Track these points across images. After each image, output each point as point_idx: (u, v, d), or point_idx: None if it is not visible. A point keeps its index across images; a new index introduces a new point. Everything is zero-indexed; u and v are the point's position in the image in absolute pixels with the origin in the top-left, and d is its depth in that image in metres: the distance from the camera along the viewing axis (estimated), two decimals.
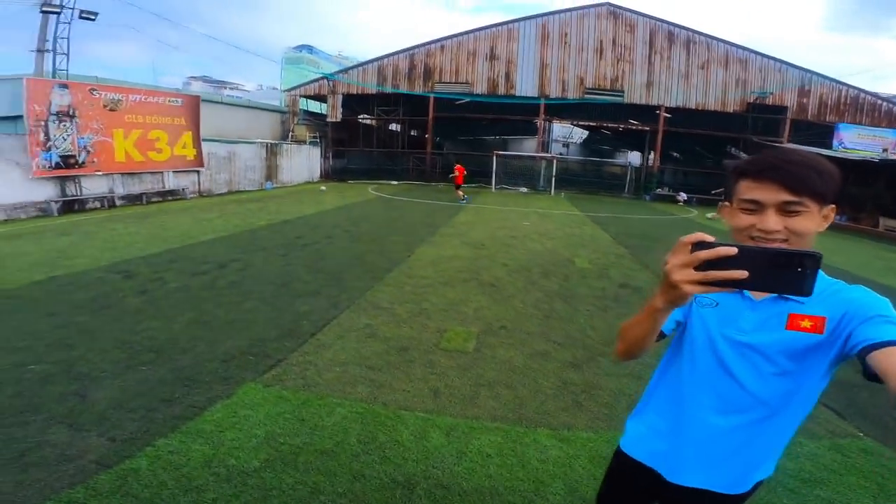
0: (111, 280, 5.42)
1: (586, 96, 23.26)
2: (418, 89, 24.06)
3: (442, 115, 24.68)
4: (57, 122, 10.59)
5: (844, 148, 20.88)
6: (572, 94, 23.27)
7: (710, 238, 0.71)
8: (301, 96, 25.19)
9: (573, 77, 23.16)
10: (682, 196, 21.95)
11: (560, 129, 33.08)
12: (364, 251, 7.43)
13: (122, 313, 4.39)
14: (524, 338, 4.15)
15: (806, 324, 0.93)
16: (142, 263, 6.18)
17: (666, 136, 23.77)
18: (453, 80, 23.93)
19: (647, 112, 24.05)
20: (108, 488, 2.17)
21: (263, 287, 5.34)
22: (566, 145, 35.77)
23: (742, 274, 0.68)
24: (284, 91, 26.39)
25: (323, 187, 19.26)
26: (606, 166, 29.34)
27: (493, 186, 22.87)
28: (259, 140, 19.12)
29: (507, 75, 23.58)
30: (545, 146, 26.12)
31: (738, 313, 1.00)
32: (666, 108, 23.13)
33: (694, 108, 22.95)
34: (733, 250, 0.69)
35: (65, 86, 10.89)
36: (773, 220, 0.90)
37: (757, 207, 0.92)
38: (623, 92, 23.12)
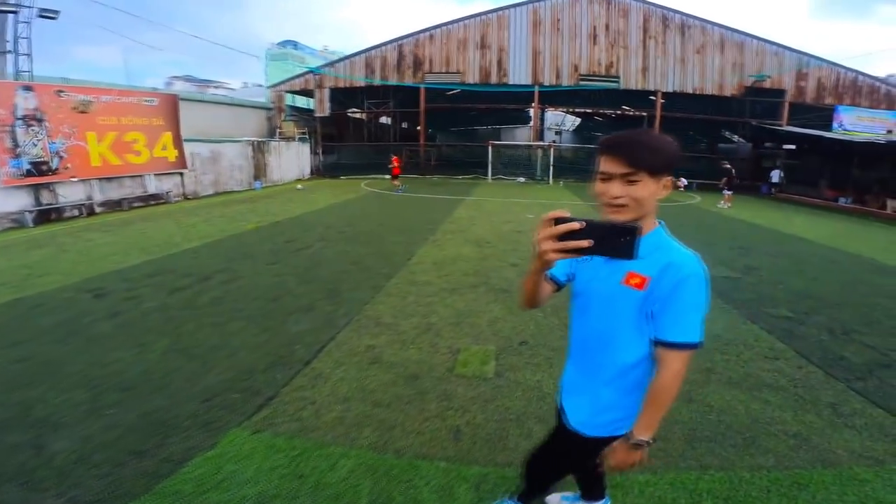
0: (81, 301, 4.85)
1: (581, 83, 22.85)
2: (408, 80, 23.47)
3: (433, 105, 24.09)
4: (25, 126, 9.87)
5: (844, 130, 20.54)
6: (567, 81, 22.85)
7: (566, 214, 0.92)
8: (286, 92, 24.51)
9: (567, 64, 22.72)
10: (683, 181, 21.50)
11: (552, 117, 32.57)
12: (361, 254, 6.89)
13: (90, 342, 3.84)
14: (550, 355, 3.65)
15: (635, 280, 1.18)
16: (117, 279, 5.60)
17: (662, 121, 23.32)
18: (444, 70, 23.38)
19: (642, 98, 23.59)
20: None
21: (251, 303, 4.79)
22: (558, 133, 35.26)
23: (587, 243, 0.90)
24: (269, 87, 25.63)
25: (300, 186, 18.28)
26: None
27: (490, 177, 22.37)
28: (245, 138, 18.40)
29: (500, 63, 23.05)
30: (539, 134, 25.60)
31: (600, 266, 1.24)
32: (663, 93, 22.69)
33: (691, 92, 22.55)
34: (580, 224, 0.90)
35: (29, 88, 10.14)
36: (616, 188, 1.11)
37: (607, 177, 1.13)
38: (619, 78, 22.71)
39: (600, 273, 1.24)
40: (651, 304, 1.18)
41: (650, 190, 1.12)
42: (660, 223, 1.24)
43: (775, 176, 20.66)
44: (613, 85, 22.89)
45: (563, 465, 1.64)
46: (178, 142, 13.83)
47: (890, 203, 15.28)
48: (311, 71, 24.55)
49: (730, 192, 15.44)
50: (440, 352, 3.71)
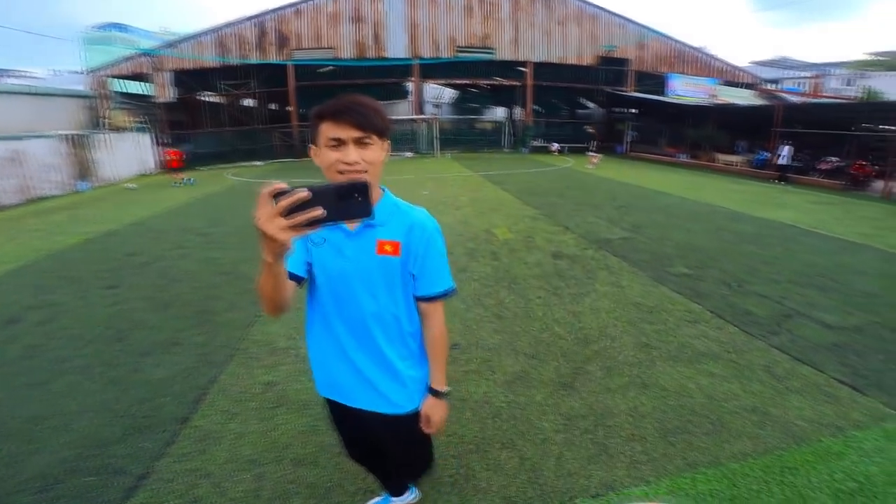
0: None
1: (459, 55, 22.94)
2: (273, 58, 21.33)
3: (304, 84, 22.01)
4: None
5: (677, 95, 23.72)
6: (445, 53, 22.81)
7: (284, 186, 0.75)
8: (112, 77, 20.46)
9: (445, 36, 22.69)
10: (556, 146, 23.16)
11: (430, 90, 32.37)
12: (235, 261, 5.65)
13: None
14: (487, 356, 3.21)
15: (388, 248, 1.18)
16: None
17: (533, 90, 24.48)
18: (315, 46, 21.67)
19: (513, 68, 24.41)
20: None
21: (84, 347, 3.49)
22: (437, 106, 35.25)
23: (319, 211, 0.76)
24: (89, 73, 20.89)
25: (130, 185, 14.74)
26: (482, 123, 29.54)
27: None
28: (57, 132, 14.59)
29: (376, 37, 22.09)
30: (420, 108, 25.15)
31: (342, 244, 1.18)
32: (532, 63, 23.74)
33: (555, 62, 23.99)
34: (307, 193, 0.75)
35: None
36: (352, 153, 1.06)
37: (339, 144, 1.06)
38: (493, 49, 23.36)
39: (347, 252, 1.18)
40: (411, 267, 1.22)
41: (380, 153, 1.12)
42: (383, 188, 1.22)
43: (629, 137, 23.48)
44: (489, 56, 23.40)
45: (400, 454, 1.57)
46: None
47: (719, 157, 18.13)
48: (144, 53, 20.53)
49: (596, 153, 16.84)
50: None
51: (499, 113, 32.02)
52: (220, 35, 20.93)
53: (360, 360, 1.27)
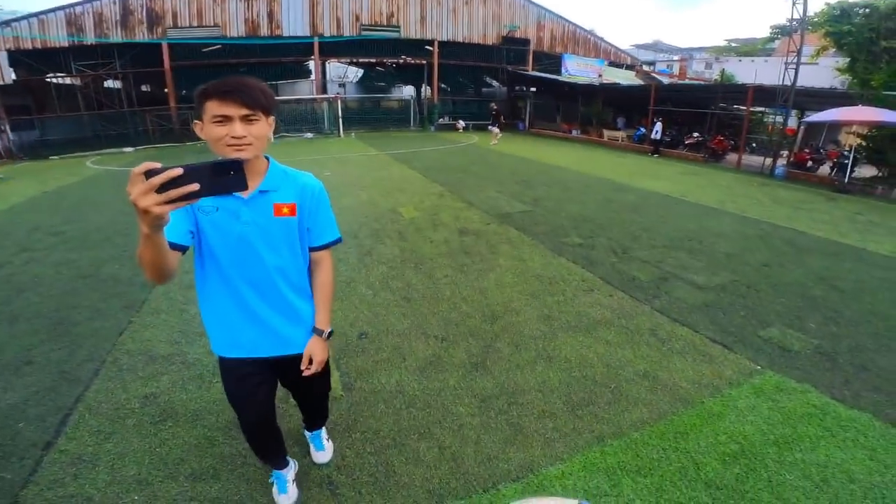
0: None
1: (363, 33, 21.91)
2: (142, 37, 18.66)
3: (182, 63, 19.45)
4: None
5: (570, 74, 25.19)
6: (348, 31, 21.64)
7: (157, 165, 0.81)
8: None
9: (348, 13, 21.51)
10: (461, 124, 23.44)
11: (334, 68, 30.67)
12: (98, 261, 4.82)
13: None
14: (397, 343, 3.14)
15: (285, 210, 1.37)
16: None
17: (439, 69, 24.33)
18: (196, 24, 19.31)
19: (420, 47, 23.96)
20: None
21: None
22: (342, 85, 33.59)
23: (193, 187, 0.83)
24: None
25: None
26: (388, 101, 28.77)
27: (273, 136, 19.66)
28: None
29: (271, 14, 20.21)
30: (323, 87, 23.70)
31: (238, 210, 1.32)
32: (438, 42, 23.50)
33: (461, 41, 24.04)
34: (179, 171, 0.81)
35: None
36: (239, 128, 1.20)
37: (225, 120, 1.19)
38: (399, 27, 22.66)
39: (244, 216, 1.32)
40: (306, 222, 1.44)
41: (266, 127, 1.27)
42: (268, 157, 1.39)
43: (527, 113, 25.00)
44: (394, 35, 22.65)
45: (327, 381, 1.87)
46: None
47: (606, 132, 19.72)
48: None
49: (498, 131, 17.38)
50: None
51: (406, 91, 31.42)
52: (70, 14, 17.69)
53: (263, 311, 1.44)
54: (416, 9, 22.91)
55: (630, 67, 29.08)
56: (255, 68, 20.96)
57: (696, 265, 4.66)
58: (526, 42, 25.77)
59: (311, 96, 22.52)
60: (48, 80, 19.67)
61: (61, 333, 3.32)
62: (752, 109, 14.68)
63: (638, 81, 24.12)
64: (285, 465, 1.88)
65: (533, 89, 26.85)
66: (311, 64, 22.96)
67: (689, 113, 17.01)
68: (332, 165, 11.58)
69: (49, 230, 6.09)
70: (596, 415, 2.43)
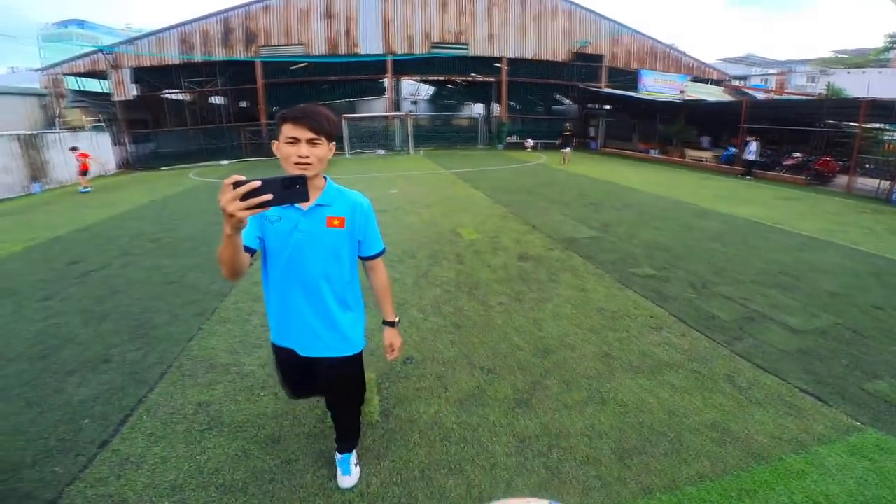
0: None
1: (433, 51, 22.75)
2: (239, 55, 20.74)
3: (273, 81, 21.41)
4: None
5: (647, 91, 24.00)
6: (419, 49, 22.59)
7: (242, 177, 1.04)
8: (68, 74, 19.58)
9: (419, 32, 22.53)
10: (530, 142, 23.19)
11: (407, 86, 32.00)
12: (183, 268, 5.29)
13: None
14: (441, 371, 3.03)
15: (336, 222, 1.60)
16: None
17: (508, 86, 24.40)
18: (284, 43, 21.18)
19: (489, 64, 24.27)
20: None
21: (5, 367, 3.18)
22: (415, 102, 34.84)
23: (268, 197, 1.05)
24: (41, 70, 19.90)
25: (85, 187, 12.65)
26: (458, 119, 29.31)
27: (348, 152, 20.88)
28: (7, 132, 13.74)
29: (349, 33, 21.76)
30: (396, 105, 24.76)
31: (297, 220, 1.56)
32: (507, 59, 23.65)
33: (530, 58, 23.96)
34: (258, 183, 1.04)
35: None
36: (305, 150, 1.45)
37: (295, 141, 1.45)
38: (467, 45, 23.23)
39: (302, 226, 1.55)
40: (357, 235, 1.68)
41: (327, 151, 1.52)
42: (326, 177, 1.61)
43: (592, 132, 24.51)
44: (463, 52, 23.21)
45: (355, 391, 1.99)
46: None
47: (688, 152, 18.39)
48: (100, 50, 19.60)
49: (568, 151, 16.79)
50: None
51: (475, 109, 31.87)
52: (182, 32, 20.20)
53: (307, 312, 1.67)
54: (484, 26, 23.32)
55: (717, 83, 27.09)
56: (335, 86, 22.51)
57: (791, 305, 4.06)
58: (598, 58, 25.07)
59: (384, 114, 23.59)
60: (163, 95, 22.51)
61: (140, 335, 3.63)
62: (865, 126, 12.90)
63: (726, 97, 22.35)
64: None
65: (607, 107, 25.94)
66: (386, 82, 24.10)
67: (788, 131, 15.36)
68: (399, 183, 11.92)
69: (149, 237, 6.85)
70: (647, 465, 2.14)
